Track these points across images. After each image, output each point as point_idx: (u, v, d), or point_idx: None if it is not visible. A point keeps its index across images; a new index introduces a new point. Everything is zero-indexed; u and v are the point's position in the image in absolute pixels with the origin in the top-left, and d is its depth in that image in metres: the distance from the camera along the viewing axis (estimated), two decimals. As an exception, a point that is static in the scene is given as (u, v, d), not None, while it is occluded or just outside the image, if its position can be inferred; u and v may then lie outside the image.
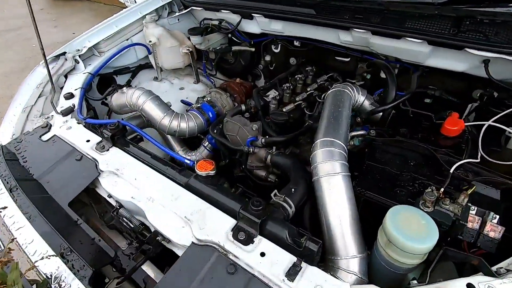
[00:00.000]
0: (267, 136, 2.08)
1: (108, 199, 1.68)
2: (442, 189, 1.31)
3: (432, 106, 2.19)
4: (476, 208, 1.30)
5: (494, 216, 1.27)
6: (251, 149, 2.04)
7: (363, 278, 1.26)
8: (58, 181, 1.65)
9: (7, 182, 1.67)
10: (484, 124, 1.57)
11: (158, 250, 1.44)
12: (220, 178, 1.60)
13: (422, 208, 1.26)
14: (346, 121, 1.69)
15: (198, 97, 2.61)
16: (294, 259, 1.18)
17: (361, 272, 1.26)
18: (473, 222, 1.28)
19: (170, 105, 2.36)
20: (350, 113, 1.78)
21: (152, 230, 1.46)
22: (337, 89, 1.94)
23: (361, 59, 2.42)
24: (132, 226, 1.51)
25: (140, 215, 1.52)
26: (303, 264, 1.16)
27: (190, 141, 2.71)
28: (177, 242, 1.33)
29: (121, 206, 1.57)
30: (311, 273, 1.14)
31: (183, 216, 1.39)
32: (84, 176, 1.65)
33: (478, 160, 1.49)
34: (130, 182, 1.58)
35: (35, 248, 1.36)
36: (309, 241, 1.22)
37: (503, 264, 1.10)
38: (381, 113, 1.99)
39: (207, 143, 2.53)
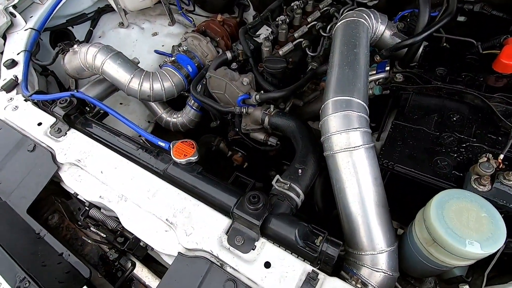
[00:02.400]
0: (261, 91, 1.67)
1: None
2: (501, 156, 0.97)
3: (469, 26, 1.69)
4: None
5: None
6: (244, 110, 1.65)
7: (394, 275, 1.02)
8: (11, 181, 1.34)
9: None
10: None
11: (144, 254, 1.20)
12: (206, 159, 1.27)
13: (475, 186, 0.94)
14: (365, 67, 1.25)
15: (173, 46, 2.10)
16: (309, 268, 0.93)
17: (391, 268, 1.01)
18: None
19: (138, 62, 1.89)
20: (368, 54, 1.34)
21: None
22: (349, 19, 1.44)
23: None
24: (110, 227, 1.25)
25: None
26: (321, 275, 0.91)
27: (175, 100, 2.30)
28: (160, 251, 1.07)
29: (92, 205, 1.29)
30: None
31: (164, 219, 1.10)
32: (41, 172, 1.33)
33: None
34: (96, 176, 1.27)
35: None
36: (326, 243, 0.95)
37: None
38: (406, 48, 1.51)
39: (192, 101, 2.13)
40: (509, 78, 1.20)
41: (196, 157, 1.15)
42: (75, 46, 1.76)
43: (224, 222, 1.06)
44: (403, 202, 1.18)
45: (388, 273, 1.00)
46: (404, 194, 1.18)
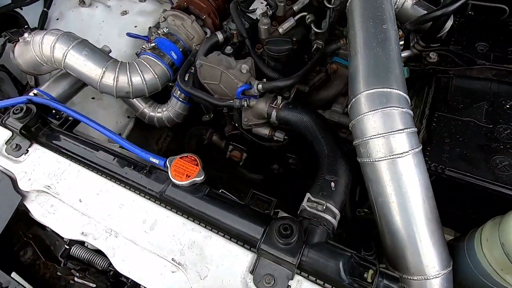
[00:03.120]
0: (264, 80, 1.41)
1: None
2: None
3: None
4: None
5: None
6: (245, 103, 1.40)
7: (450, 301, 0.87)
8: (-38, 219, 1.05)
9: None
10: None
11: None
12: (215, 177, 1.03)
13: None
14: (398, 47, 1.02)
15: (149, 28, 1.75)
16: (360, 312, 0.75)
17: (447, 293, 0.86)
18: None
19: (109, 51, 1.55)
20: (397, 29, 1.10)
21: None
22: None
23: None
24: (99, 268, 1.01)
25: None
26: (376, 319, 0.74)
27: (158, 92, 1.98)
28: (170, 300, 0.86)
29: (73, 241, 1.03)
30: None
31: (169, 258, 0.88)
32: (0, 204, 1.05)
33: None
34: (74, 205, 1.01)
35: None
36: (381, 277, 0.77)
37: None
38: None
39: (179, 92, 1.84)
40: None
41: (202, 177, 0.91)
42: (26, 34, 1.40)
43: (246, 257, 0.85)
44: (449, 205, 1.02)
45: (444, 300, 0.85)
46: (451, 199, 1.01)
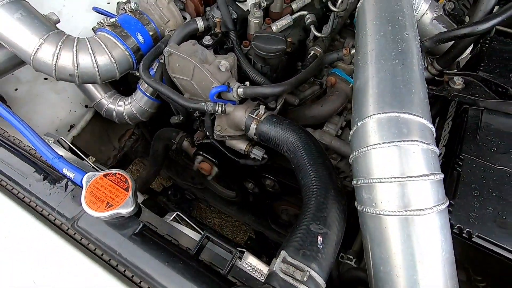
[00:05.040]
0: (246, 83, 1.13)
1: None
2: None
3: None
4: None
5: None
6: (220, 108, 1.12)
7: None
8: None
9: None
10: None
11: None
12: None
13: None
14: (421, 63, 0.78)
15: (118, 3, 1.45)
16: None
17: None
18: None
19: (57, 21, 1.23)
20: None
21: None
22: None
23: None
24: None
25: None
26: None
27: (122, 80, 1.66)
28: None
29: None
30: None
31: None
32: None
33: None
34: None
35: None
36: None
37: None
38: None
39: (146, 85, 1.53)
40: None
41: (129, 208, 0.61)
42: None
43: None
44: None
45: None
46: (463, 260, 0.77)
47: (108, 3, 1.86)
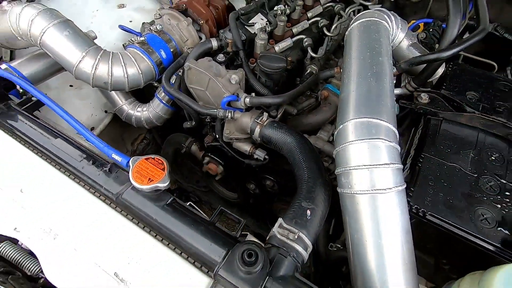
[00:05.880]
0: (253, 94, 1.35)
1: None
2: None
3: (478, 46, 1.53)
4: None
5: None
6: (229, 114, 1.33)
7: None
8: None
9: None
10: None
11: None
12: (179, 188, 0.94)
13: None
14: (392, 82, 1.00)
15: (143, 23, 1.69)
16: None
17: None
18: None
19: (95, 37, 1.46)
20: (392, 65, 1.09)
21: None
22: (369, 19, 1.18)
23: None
24: (29, 273, 0.86)
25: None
26: None
27: (138, 90, 1.88)
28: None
29: (3, 237, 0.88)
30: None
31: (112, 272, 0.76)
32: None
33: None
34: (13, 196, 0.87)
35: None
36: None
37: None
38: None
39: (163, 94, 1.75)
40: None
41: (166, 183, 0.81)
42: (5, 3, 1.29)
43: (200, 282, 0.74)
44: (422, 252, 0.96)
45: None
46: (426, 245, 0.96)
47: (130, 21, 2.11)
